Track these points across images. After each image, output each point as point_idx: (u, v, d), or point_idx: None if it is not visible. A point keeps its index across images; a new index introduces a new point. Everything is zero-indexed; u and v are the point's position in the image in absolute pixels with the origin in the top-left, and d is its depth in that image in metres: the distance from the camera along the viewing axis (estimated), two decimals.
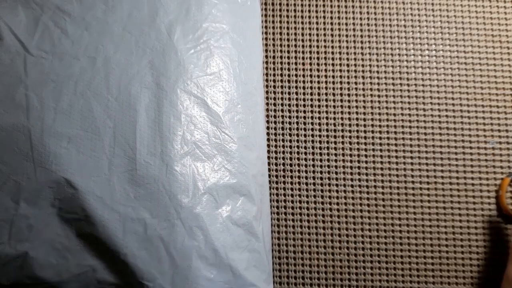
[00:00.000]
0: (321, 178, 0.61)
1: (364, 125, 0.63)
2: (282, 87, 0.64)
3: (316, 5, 0.66)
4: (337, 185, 0.61)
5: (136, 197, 0.47)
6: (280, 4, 0.66)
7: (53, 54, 0.50)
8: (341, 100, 0.64)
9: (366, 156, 0.62)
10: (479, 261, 0.59)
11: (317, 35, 0.66)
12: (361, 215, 0.61)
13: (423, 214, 0.61)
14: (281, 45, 0.65)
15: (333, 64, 0.65)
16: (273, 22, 0.66)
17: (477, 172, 0.62)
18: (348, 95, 0.64)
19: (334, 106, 0.63)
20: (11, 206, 0.46)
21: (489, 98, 0.64)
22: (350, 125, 0.63)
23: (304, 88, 0.64)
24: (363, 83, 0.64)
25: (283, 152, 0.62)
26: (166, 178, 0.47)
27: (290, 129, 0.63)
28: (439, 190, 0.61)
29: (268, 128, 0.62)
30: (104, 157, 0.47)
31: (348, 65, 0.65)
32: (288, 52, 0.65)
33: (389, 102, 0.64)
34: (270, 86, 0.64)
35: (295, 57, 0.65)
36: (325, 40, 0.65)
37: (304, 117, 0.63)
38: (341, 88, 0.64)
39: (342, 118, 0.63)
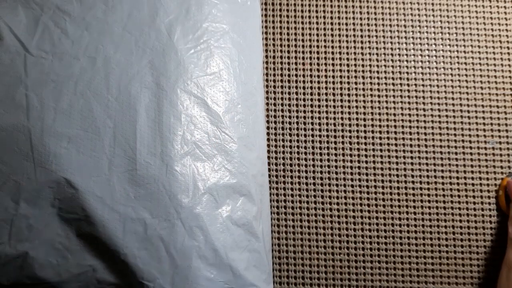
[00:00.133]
0: (321, 178, 0.61)
1: (364, 125, 0.63)
2: (282, 87, 0.64)
3: (316, 5, 0.66)
4: (337, 185, 0.61)
5: (136, 197, 0.47)
6: (280, 4, 0.66)
7: (53, 54, 0.50)
8: (341, 100, 0.64)
9: (366, 156, 0.62)
10: (479, 261, 0.59)
11: (317, 35, 0.66)
12: (361, 215, 0.61)
13: (423, 214, 0.61)
14: (281, 45, 0.65)
15: (333, 64, 0.65)
16: (273, 22, 0.66)
17: (477, 172, 0.62)
18: (348, 95, 0.64)
19: (334, 106, 0.63)
20: (11, 206, 0.46)
21: (489, 98, 0.64)
22: (350, 125, 0.63)
23: (304, 88, 0.64)
24: (363, 83, 0.64)
25: (283, 152, 0.62)
26: (166, 178, 0.47)
27: (290, 129, 0.63)
28: (439, 190, 0.61)
29: (268, 128, 0.62)
30: (104, 157, 0.47)
31: (348, 65, 0.65)
32: (288, 52, 0.65)
33: (389, 102, 0.64)
34: (270, 86, 0.64)
35: (295, 57, 0.65)
36: (325, 40, 0.65)
37: (304, 117, 0.63)
38: (341, 88, 0.64)
39: (342, 118, 0.63)
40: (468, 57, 0.65)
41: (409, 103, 0.64)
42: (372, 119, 0.63)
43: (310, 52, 0.65)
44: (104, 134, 0.48)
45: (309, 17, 0.66)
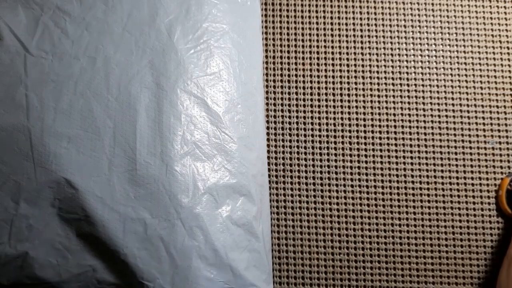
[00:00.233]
0: (321, 178, 0.61)
1: (364, 125, 0.63)
2: (282, 87, 0.64)
3: (316, 5, 0.66)
4: (337, 185, 0.61)
5: (136, 197, 0.47)
6: (280, 4, 0.66)
7: (53, 54, 0.50)
8: (341, 100, 0.64)
9: (366, 156, 0.62)
10: (479, 261, 0.59)
11: (317, 35, 0.66)
12: (361, 215, 0.61)
13: (423, 214, 0.61)
14: (281, 45, 0.65)
15: (333, 64, 0.65)
16: (273, 22, 0.66)
17: (477, 172, 0.62)
18: (348, 95, 0.64)
19: (334, 106, 0.63)
20: (11, 206, 0.46)
21: (489, 98, 0.64)
22: (350, 125, 0.63)
23: (304, 88, 0.64)
24: (363, 83, 0.64)
25: (283, 152, 0.62)
26: (166, 178, 0.47)
27: (290, 129, 0.63)
28: (439, 190, 0.61)
29: (268, 128, 0.62)
30: (104, 157, 0.47)
31: (348, 65, 0.65)
32: (288, 52, 0.65)
33: (389, 102, 0.64)
34: (270, 86, 0.64)
35: (295, 57, 0.65)
36: (325, 40, 0.65)
37: (304, 117, 0.63)
38: (341, 88, 0.64)
39: (342, 118, 0.63)
40: (468, 57, 0.65)
41: (409, 103, 0.64)
42: (372, 119, 0.63)
43: (310, 52, 0.65)
44: (104, 134, 0.48)
45: (309, 17, 0.66)
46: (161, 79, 0.49)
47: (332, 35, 0.66)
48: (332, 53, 0.65)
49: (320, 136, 0.63)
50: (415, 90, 0.64)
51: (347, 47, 0.65)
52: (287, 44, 0.65)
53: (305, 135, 0.63)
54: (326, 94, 0.64)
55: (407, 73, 0.65)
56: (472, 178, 0.62)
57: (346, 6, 0.66)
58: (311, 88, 0.64)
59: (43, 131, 0.47)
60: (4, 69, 0.50)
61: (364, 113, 0.63)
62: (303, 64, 0.65)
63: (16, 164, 0.46)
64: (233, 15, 0.54)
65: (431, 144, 0.62)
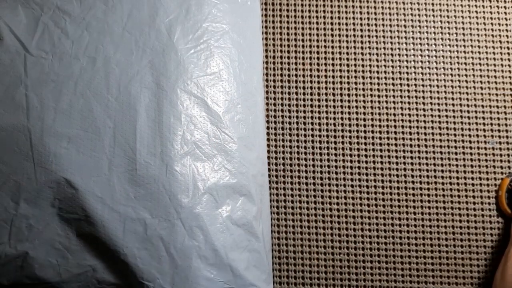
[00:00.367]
0: (321, 178, 0.61)
1: (364, 125, 0.63)
2: (282, 87, 0.64)
3: (316, 5, 0.66)
4: (337, 185, 0.61)
5: (136, 197, 0.47)
6: (280, 4, 0.66)
7: (53, 54, 0.50)
8: (341, 100, 0.64)
9: (366, 156, 0.62)
10: (479, 261, 0.59)
11: (317, 35, 0.66)
12: (361, 215, 0.61)
13: (423, 214, 0.61)
14: (281, 45, 0.65)
15: (333, 64, 0.65)
16: (273, 22, 0.66)
17: (477, 172, 0.62)
18: (348, 95, 0.64)
19: (334, 106, 0.63)
20: (11, 206, 0.46)
21: (489, 98, 0.64)
22: (350, 125, 0.63)
23: (304, 88, 0.64)
24: (363, 83, 0.64)
25: (283, 152, 0.62)
26: (166, 178, 0.47)
27: (290, 129, 0.63)
28: (439, 190, 0.61)
29: (268, 128, 0.62)
30: (104, 157, 0.47)
31: (348, 65, 0.65)
32: (288, 52, 0.65)
33: (389, 102, 0.64)
34: (270, 86, 0.64)
35: (295, 57, 0.65)
36: (325, 40, 0.65)
37: (304, 117, 0.63)
38: (341, 88, 0.64)
39: (342, 118, 0.63)
40: (468, 57, 0.65)
41: (409, 103, 0.64)
42: (372, 119, 0.63)
43: (310, 52, 0.65)
44: (104, 134, 0.48)
45: (309, 17, 0.66)
46: (161, 79, 0.49)
47: (332, 35, 0.66)
48: (332, 53, 0.65)
49: (320, 136, 0.63)
50: (415, 90, 0.64)
51: (347, 47, 0.65)
52: (287, 44, 0.65)
53: (305, 135, 0.63)
54: (326, 94, 0.64)
55: (407, 73, 0.65)
56: (472, 178, 0.62)
57: (346, 6, 0.66)
58: (311, 88, 0.64)
59: (43, 131, 0.47)
60: (4, 69, 0.50)
61: (364, 113, 0.63)
62: (303, 64, 0.65)
63: (16, 164, 0.46)
64: (233, 15, 0.54)
65: (431, 144, 0.62)
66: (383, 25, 0.66)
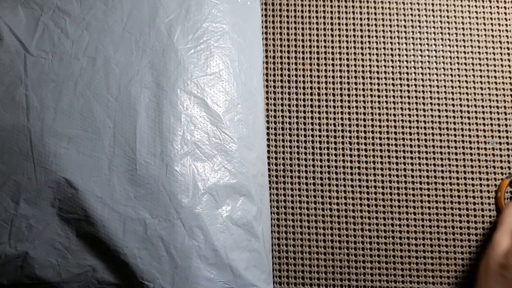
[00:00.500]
0: (321, 178, 0.61)
1: (364, 125, 0.63)
2: (282, 87, 0.64)
3: (316, 5, 0.66)
4: (337, 185, 0.61)
5: (136, 197, 0.47)
6: (280, 4, 0.66)
7: (53, 54, 0.50)
8: (341, 100, 0.64)
9: (366, 156, 0.62)
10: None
11: (317, 35, 0.65)
12: (361, 215, 0.61)
13: (423, 214, 0.61)
14: (281, 45, 0.65)
15: (333, 64, 0.65)
16: (273, 22, 0.66)
17: (477, 172, 0.62)
18: (348, 95, 0.64)
19: (334, 106, 0.63)
20: (11, 206, 0.46)
21: (489, 98, 0.64)
22: (350, 125, 0.63)
23: (304, 88, 0.64)
24: (363, 83, 0.64)
25: (283, 152, 0.62)
26: (166, 178, 0.47)
27: (290, 129, 0.63)
28: (439, 190, 0.61)
29: (268, 128, 0.62)
30: (104, 157, 0.47)
31: (348, 65, 0.65)
32: (288, 52, 0.65)
33: (389, 102, 0.64)
34: (270, 86, 0.64)
35: (295, 57, 0.65)
36: (325, 40, 0.65)
37: (304, 117, 0.63)
38: (341, 88, 0.64)
39: (342, 118, 0.63)
40: (468, 57, 0.65)
41: (409, 103, 0.64)
42: (372, 119, 0.63)
43: (310, 52, 0.65)
44: (104, 134, 0.48)
45: (309, 17, 0.66)
46: (161, 79, 0.50)
47: (332, 35, 0.66)
48: (332, 53, 0.65)
49: (320, 136, 0.63)
50: (415, 90, 0.64)
51: (347, 47, 0.65)
52: (287, 44, 0.65)
53: (305, 135, 0.63)
54: (326, 94, 0.64)
55: (407, 73, 0.65)
56: (472, 179, 0.62)
57: (346, 6, 0.66)
58: (311, 88, 0.64)
59: (43, 131, 0.47)
60: (4, 69, 0.50)
61: (364, 113, 0.63)
62: (303, 64, 0.65)
63: (16, 164, 0.47)
64: (233, 15, 0.54)
65: (431, 144, 0.62)
66: (383, 25, 0.66)
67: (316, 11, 0.66)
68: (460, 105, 0.64)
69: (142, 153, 0.47)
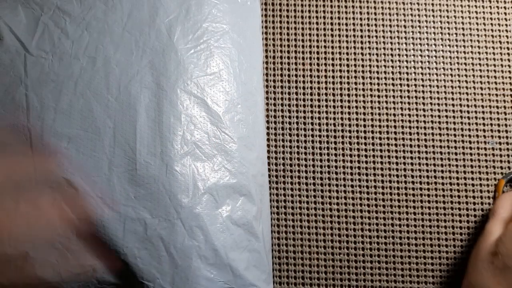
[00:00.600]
0: (321, 178, 0.61)
1: (364, 125, 0.63)
2: (282, 87, 0.64)
3: (316, 5, 0.66)
4: (337, 185, 0.61)
5: (136, 197, 0.47)
6: (280, 4, 0.66)
7: (53, 54, 0.50)
8: (341, 100, 0.64)
9: (366, 156, 0.62)
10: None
11: (317, 35, 0.66)
12: (361, 215, 0.61)
13: (423, 214, 0.61)
14: (281, 45, 0.65)
15: (333, 64, 0.65)
16: (273, 22, 0.66)
17: (477, 172, 0.62)
18: (348, 95, 0.64)
19: (334, 106, 0.63)
20: None
21: (489, 98, 0.64)
22: (350, 125, 0.63)
23: (304, 88, 0.64)
24: (363, 83, 0.64)
25: (283, 152, 0.62)
26: (166, 178, 0.47)
27: (290, 129, 0.63)
28: (439, 190, 0.61)
29: (268, 128, 0.62)
30: (104, 157, 0.47)
31: (348, 65, 0.65)
32: (288, 52, 0.65)
33: (389, 102, 0.64)
34: (270, 86, 0.64)
35: (295, 57, 0.65)
36: (325, 40, 0.65)
37: (304, 117, 0.63)
38: (341, 88, 0.64)
39: (342, 118, 0.63)
40: (468, 57, 0.65)
41: (409, 103, 0.64)
42: (372, 119, 0.63)
43: (310, 52, 0.65)
44: (104, 134, 0.48)
45: (309, 17, 0.66)
46: (161, 79, 0.50)
47: (332, 35, 0.66)
48: (332, 53, 0.65)
49: (320, 136, 0.63)
50: (415, 90, 0.64)
51: (347, 47, 0.65)
52: (287, 44, 0.65)
53: (305, 135, 0.63)
54: (326, 94, 0.64)
55: (407, 73, 0.65)
56: (472, 179, 0.62)
57: (346, 6, 0.66)
58: (311, 88, 0.64)
59: (43, 131, 0.47)
60: (4, 69, 0.50)
61: (364, 113, 0.63)
62: (303, 64, 0.65)
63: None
64: (233, 15, 0.54)
65: (431, 144, 0.62)
66: (383, 25, 0.66)
67: (316, 11, 0.66)
68: (460, 105, 0.64)
69: (142, 153, 0.47)
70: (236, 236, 0.48)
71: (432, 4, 0.67)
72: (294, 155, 0.62)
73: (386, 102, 0.64)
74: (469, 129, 0.63)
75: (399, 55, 0.65)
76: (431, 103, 0.64)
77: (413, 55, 0.65)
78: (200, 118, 0.49)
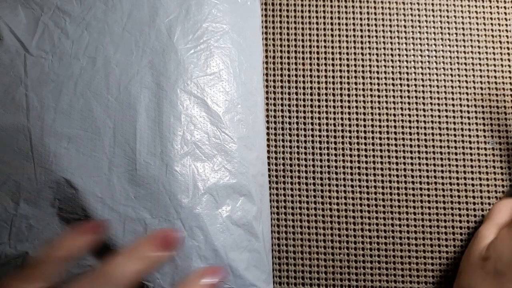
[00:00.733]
0: (321, 178, 0.61)
1: (364, 125, 0.63)
2: (282, 87, 0.64)
3: (316, 5, 0.66)
4: (337, 185, 0.61)
5: (136, 197, 0.47)
6: (280, 4, 0.66)
7: (53, 54, 0.50)
8: (341, 100, 0.64)
9: (366, 156, 0.62)
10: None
11: (317, 35, 0.66)
12: (361, 215, 0.61)
13: (423, 214, 0.61)
14: (281, 45, 0.65)
15: (333, 64, 0.65)
16: (273, 22, 0.66)
17: (477, 172, 0.62)
18: (348, 95, 0.64)
19: (334, 106, 0.63)
20: (11, 206, 0.46)
21: (489, 98, 0.64)
22: (350, 125, 0.63)
23: (304, 88, 0.64)
24: (363, 83, 0.64)
25: (283, 152, 0.62)
26: (166, 178, 0.47)
27: (290, 129, 0.63)
28: (439, 190, 0.61)
29: (268, 128, 0.62)
30: (104, 157, 0.47)
31: (348, 65, 0.65)
32: (288, 52, 0.65)
33: (389, 102, 0.64)
34: (270, 86, 0.64)
35: (295, 57, 0.65)
36: (325, 40, 0.65)
37: (304, 117, 0.63)
38: (341, 88, 0.64)
39: (342, 118, 0.63)
40: (468, 57, 0.65)
41: (409, 103, 0.64)
42: (372, 119, 0.63)
43: (310, 52, 0.65)
44: (104, 134, 0.48)
45: (309, 17, 0.66)
46: (161, 79, 0.50)
47: (332, 35, 0.66)
48: (332, 53, 0.65)
49: (320, 136, 0.63)
50: (415, 90, 0.64)
51: (347, 47, 0.65)
52: (287, 44, 0.65)
53: (305, 135, 0.63)
54: (326, 94, 0.64)
55: (407, 73, 0.65)
56: (472, 179, 0.62)
57: (346, 6, 0.66)
58: (311, 88, 0.64)
59: (43, 131, 0.47)
60: (4, 69, 0.50)
61: (364, 113, 0.63)
62: (303, 64, 0.65)
63: (16, 164, 0.47)
64: (233, 15, 0.54)
65: (431, 144, 0.62)
66: (383, 25, 0.66)
67: (316, 11, 0.66)
68: (460, 105, 0.64)
69: (142, 153, 0.47)
70: (236, 236, 0.48)
71: (432, 4, 0.67)
72: (294, 155, 0.62)
73: (386, 102, 0.64)
74: (469, 129, 0.63)
75: (399, 55, 0.65)
76: (431, 103, 0.64)
77: (413, 55, 0.65)
78: (200, 118, 0.49)
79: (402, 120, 0.63)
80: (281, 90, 0.64)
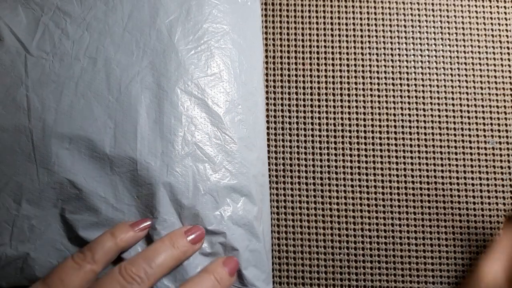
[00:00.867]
0: (321, 178, 0.62)
1: (364, 125, 0.63)
2: (282, 87, 0.64)
3: (316, 5, 0.66)
4: (337, 185, 0.61)
5: (138, 196, 0.47)
6: (280, 4, 0.66)
7: (54, 54, 0.50)
8: (341, 100, 0.64)
9: (366, 156, 0.62)
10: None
11: (317, 35, 0.66)
12: (361, 215, 0.61)
13: (423, 214, 0.61)
14: (281, 45, 0.65)
15: (333, 64, 0.65)
16: (273, 22, 0.66)
17: (477, 172, 0.62)
18: (348, 95, 0.64)
19: (334, 106, 0.63)
20: (13, 207, 0.46)
21: (489, 98, 0.64)
22: (350, 125, 0.63)
23: (304, 88, 0.64)
24: (363, 83, 0.64)
25: (283, 152, 0.62)
26: (166, 179, 0.47)
27: (290, 129, 0.63)
28: (439, 190, 0.61)
29: (268, 128, 0.63)
30: (105, 158, 0.47)
31: (348, 65, 0.65)
32: (288, 52, 0.65)
33: (389, 102, 0.64)
34: (270, 86, 0.64)
35: (295, 57, 0.65)
36: (325, 40, 0.65)
37: (304, 117, 0.63)
38: (341, 88, 0.64)
39: (342, 118, 0.63)
40: (468, 57, 0.65)
41: (409, 103, 0.64)
42: (372, 119, 0.63)
43: (310, 52, 0.65)
44: (105, 135, 0.48)
45: (309, 17, 0.66)
46: (162, 79, 0.50)
47: (332, 35, 0.66)
48: (332, 53, 0.65)
49: (320, 136, 0.63)
50: (415, 90, 0.64)
51: (347, 47, 0.65)
52: (287, 44, 0.65)
53: (305, 135, 0.63)
54: (326, 94, 0.64)
55: (407, 73, 0.65)
56: (472, 178, 0.62)
57: (346, 6, 0.66)
58: (311, 88, 0.64)
59: (45, 132, 0.47)
60: (4, 70, 0.50)
61: (364, 113, 0.63)
62: (303, 64, 0.65)
63: (18, 165, 0.47)
64: (234, 16, 0.54)
65: (431, 144, 0.63)
66: (383, 25, 0.66)
67: (316, 11, 0.66)
68: (460, 105, 0.64)
69: (143, 154, 0.47)
70: (237, 236, 0.48)
71: (432, 4, 0.67)
72: (294, 155, 0.62)
73: (386, 102, 0.64)
74: (469, 129, 0.63)
75: (399, 55, 0.65)
76: (431, 103, 0.64)
77: (413, 55, 0.65)
78: (201, 119, 0.50)
79: (402, 120, 0.63)
80: (281, 90, 0.64)
